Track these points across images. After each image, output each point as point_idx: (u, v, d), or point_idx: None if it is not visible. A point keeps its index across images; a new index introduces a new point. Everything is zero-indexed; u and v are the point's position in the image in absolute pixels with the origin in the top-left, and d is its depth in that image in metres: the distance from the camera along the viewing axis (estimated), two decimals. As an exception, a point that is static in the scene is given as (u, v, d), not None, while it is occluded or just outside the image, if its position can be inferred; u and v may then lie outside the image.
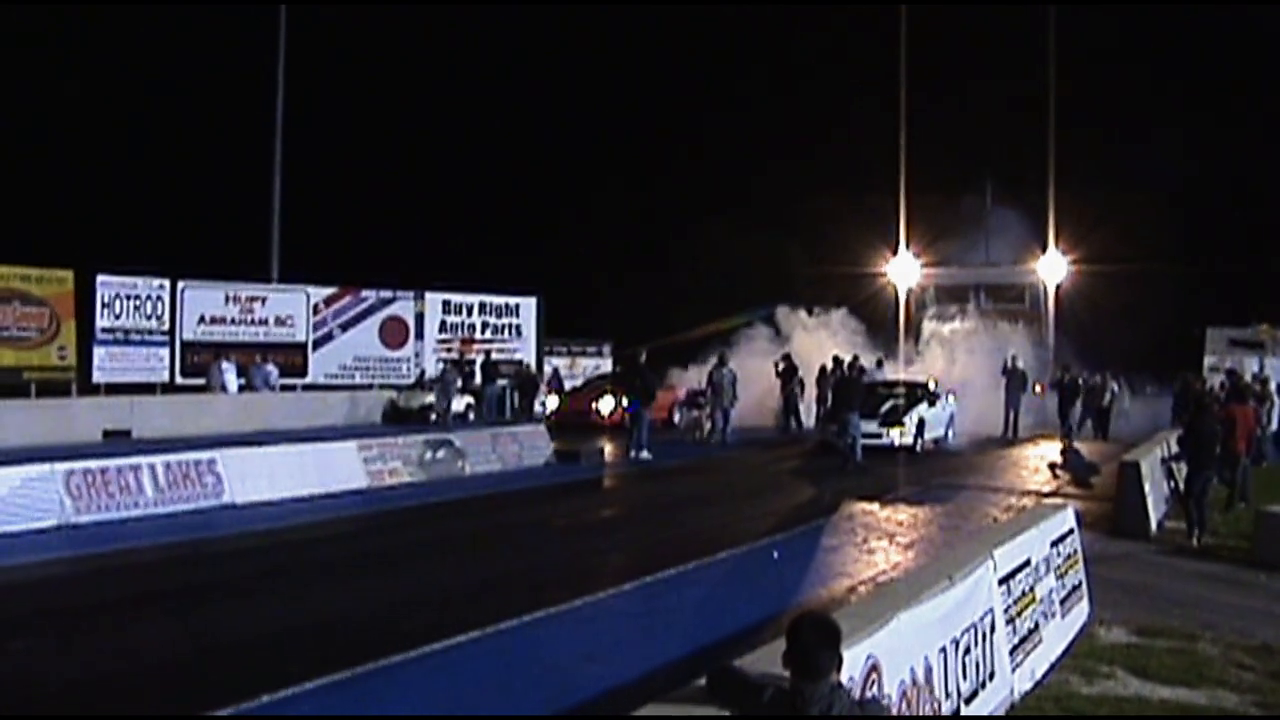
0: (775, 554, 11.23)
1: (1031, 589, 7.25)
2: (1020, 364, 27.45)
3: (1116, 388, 27.50)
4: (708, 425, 23.99)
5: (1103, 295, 34.30)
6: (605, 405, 26.25)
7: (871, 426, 21.30)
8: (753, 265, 38.21)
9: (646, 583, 9.91)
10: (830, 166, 42.90)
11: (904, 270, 35.82)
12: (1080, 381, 26.16)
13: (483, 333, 32.45)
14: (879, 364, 28.77)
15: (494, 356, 31.21)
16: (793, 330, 31.99)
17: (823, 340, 31.35)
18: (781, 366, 27.37)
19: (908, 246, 35.86)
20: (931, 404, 23.17)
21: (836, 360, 27.87)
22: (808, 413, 27.43)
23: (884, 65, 36.33)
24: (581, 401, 26.66)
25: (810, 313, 32.85)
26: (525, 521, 14.02)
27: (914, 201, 35.54)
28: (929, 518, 14.11)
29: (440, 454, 17.65)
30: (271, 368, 27.36)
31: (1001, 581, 6.71)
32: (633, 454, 20.38)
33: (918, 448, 21.82)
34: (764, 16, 51.66)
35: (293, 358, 28.62)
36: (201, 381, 26.36)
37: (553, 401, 27.34)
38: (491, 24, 52.22)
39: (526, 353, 33.13)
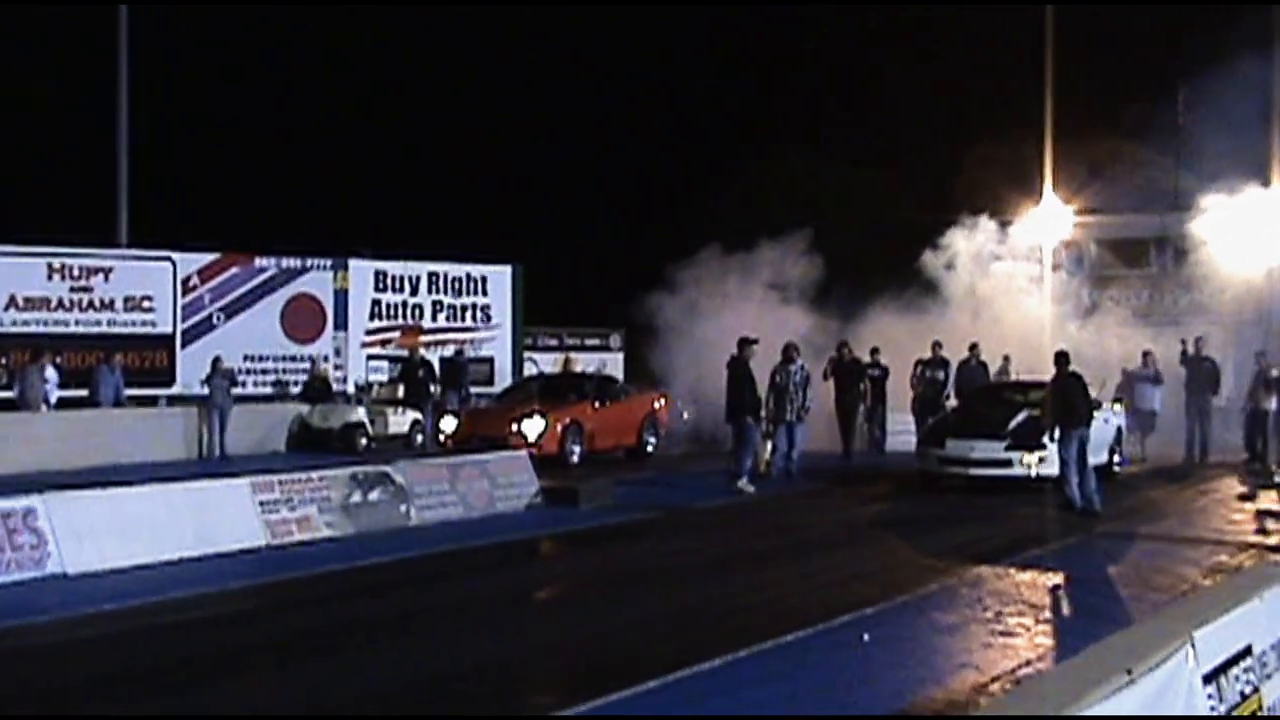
0: (864, 636, 11.17)
1: (1256, 690, 7.09)
2: (1208, 350, 27.35)
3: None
4: (767, 449, 23.85)
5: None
6: (532, 428, 25.12)
7: (995, 450, 21.15)
8: (836, 207, 38.06)
9: (681, 679, 9.80)
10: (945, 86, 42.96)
11: (1049, 220, 35.60)
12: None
13: (434, 317, 32.45)
14: (1006, 360, 28.82)
15: (466, 353, 31.24)
16: (961, 261, 32.16)
17: (1011, 285, 31.50)
18: (838, 361, 27.43)
19: (1054, 188, 35.64)
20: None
21: (935, 348, 28.06)
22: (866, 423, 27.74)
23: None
24: (495, 423, 25.61)
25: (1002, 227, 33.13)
26: (498, 592, 13.94)
27: (1064, 134, 35.29)
28: (1093, 583, 13.99)
29: (374, 495, 17.59)
30: (108, 369, 27.16)
31: (1208, 678, 6.56)
32: (741, 483, 21.45)
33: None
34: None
35: (152, 356, 28.62)
36: (10, 394, 26.28)
37: (449, 422, 26.64)
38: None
39: (500, 345, 33.15)
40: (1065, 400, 19.74)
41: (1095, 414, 23.15)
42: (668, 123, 50.11)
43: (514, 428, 25.03)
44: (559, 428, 25.51)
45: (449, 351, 31.19)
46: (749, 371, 21.98)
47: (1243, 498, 22.09)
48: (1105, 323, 32.63)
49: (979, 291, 32.51)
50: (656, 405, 28.53)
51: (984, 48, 40.72)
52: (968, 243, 32.91)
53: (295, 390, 29.72)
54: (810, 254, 32.15)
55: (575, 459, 25.51)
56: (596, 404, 26.84)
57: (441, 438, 26.27)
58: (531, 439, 24.72)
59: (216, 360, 27.00)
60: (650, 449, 27.66)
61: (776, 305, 31.20)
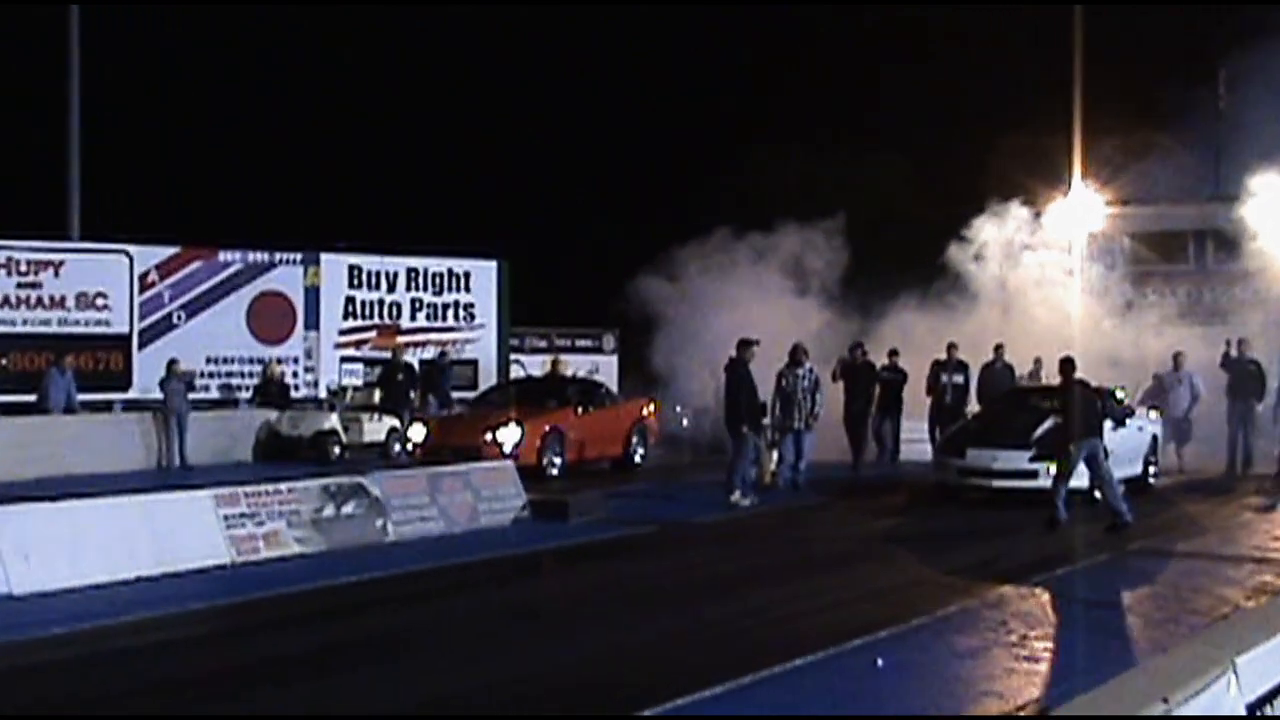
0: (878, 661, 11.19)
1: (1302, 720, 7.06)
2: (1253, 352, 27.28)
3: None
4: (773, 459, 23.88)
5: None
6: (508, 437, 24.97)
7: (1020, 460, 21.13)
8: (849, 199, 38.09)
9: (680, 706, 9.82)
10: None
11: (1079, 212, 35.58)
12: None
13: (414, 316, 32.39)
14: (1037, 363, 28.84)
15: (450, 354, 31.13)
16: (990, 252, 32.15)
17: (1044, 277, 31.41)
18: (846, 363, 27.43)
19: (1084, 178, 35.60)
20: (1119, 423, 22.97)
21: (951, 350, 28.05)
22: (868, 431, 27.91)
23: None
24: (467, 432, 25.53)
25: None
26: (481, 613, 13.95)
27: (1094, 120, 35.27)
28: (1125, 604, 14.01)
29: (348, 509, 17.57)
30: (59, 372, 26.98)
31: (1252, 708, 6.54)
32: (734, 496, 21.44)
33: (1097, 493, 21.67)
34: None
35: (106, 358, 28.53)
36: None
37: (417, 431, 26.46)
38: None
39: (485, 347, 33.09)
40: (1070, 410, 19.79)
41: (1128, 421, 23.27)
42: (664, 107, 50.08)
43: (488, 437, 24.89)
44: (537, 437, 25.27)
45: (430, 353, 31.16)
46: (749, 375, 21.93)
47: (1263, 509, 22.20)
48: (1143, 322, 32.60)
49: (1009, 286, 32.45)
50: (645, 412, 28.39)
51: (1010, 30, 40.77)
52: (998, 231, 32.85)
53: (244, 394, 29.62)
54: (827, 247, 32.18)
55: (555, 471, 25.27)
56: (579, 410, 26.64)
57: (410, 447, 26.15)
58: (507, 449, 24.45)
59: (172, 362, 26.93)
60: (639, 459, 27.53)
61: (788, 300, 31.19)
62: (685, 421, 31.27)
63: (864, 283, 32.33)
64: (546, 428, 25.61)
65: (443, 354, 30.93)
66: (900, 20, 47.41)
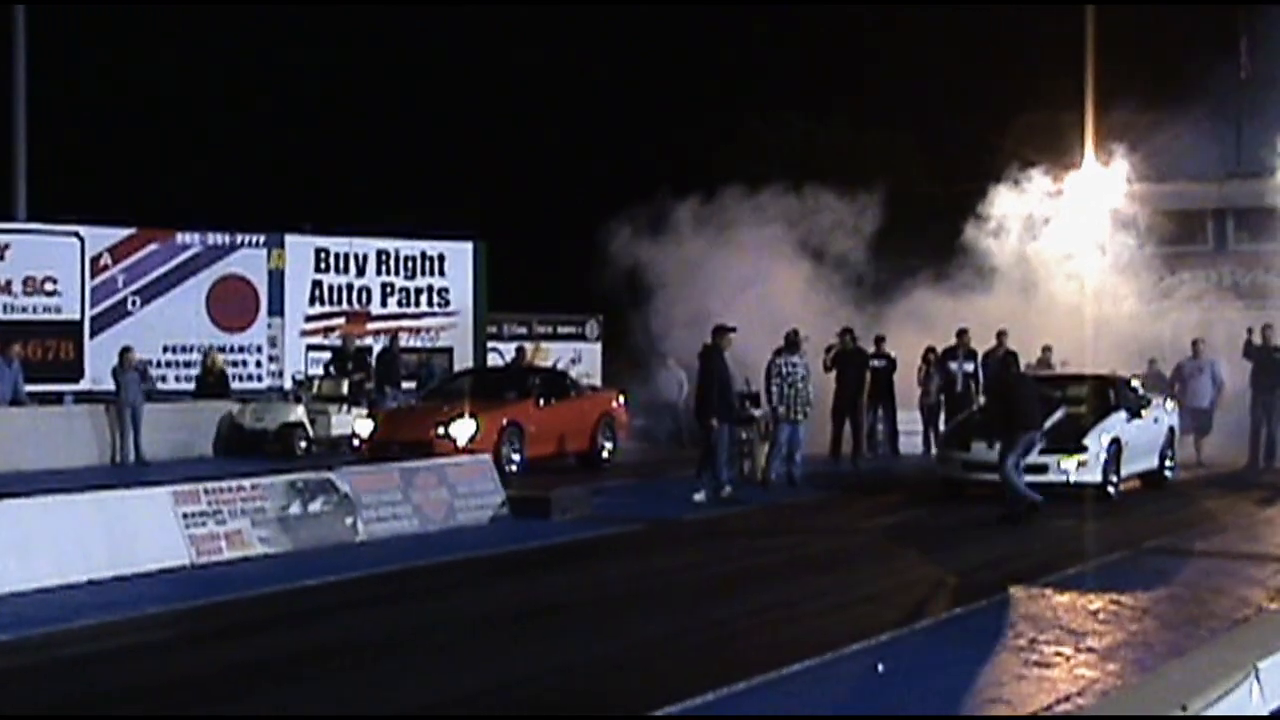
0: (879, 667, 11.20)
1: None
2: (1278, 340, 27.32)
3: None
4: (763, 452, 23.88)
5: None
6: (461, 431, 24.61)
7: (1030, 453, 21.20)
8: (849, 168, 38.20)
9: (669, 717, 9.84)
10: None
11: (1093, 188, 35.59)
12: None
13: (385, 302, 32.31)
14: (1046, 351, 28.92)
15: (403, 341, 31.00)
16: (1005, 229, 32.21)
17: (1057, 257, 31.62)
18: (838, 350, 27.52)
19: (1097, 155, 35.60)
20: (1134, 414, 23.02)
21: (963, 336, 28.13)
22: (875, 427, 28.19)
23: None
24: (418, 426, 25.26)
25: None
26: (457, 617, 13.91)
27: (1108, 93, 35.33)
28: (1140, 606, 13.98)
29: (315, 506, 17.55)
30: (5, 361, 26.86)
31: (1277, 716, 6.54)
32: (699, 494, 21.54)
33: (1111, 489, 21.71)
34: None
35: (56, 347, 28.43)
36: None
37: (364, 425, 26.11)
38: None
39: (460, 334, 33.01)
40: (1009, 403, 19.87)
41: (1144, 412, 23.31)
42: (656, 79, 49.90)
43: (440, 431, 24.58)
44: (494, 431, 24.82)
45: (406, 341, 31.06)
46: (724, 364, 21.78)
47: (1263, 502, 22.34)
48: (1159, 306, 32.66)
49: (1023, 269, 32.45)
50: (614, 404, 28.21)
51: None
52: (1016, 203, 32.85)
53: (166, 386, 29.39)
54: (830, 225, 32.25)
55: (514, 467, 24.72)
56: (540, 402, 26.26)
57: (356, 443, 25.90)
58: (461, 444, 24.15)
59: (125, 351, 26.80)
60: (606, 454, 27.25)
61: (785, 272, 31.30)
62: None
63: (873, 262, 32.42)
64: (504, 421, 25.22)
65: (393, 340, 30.55)
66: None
